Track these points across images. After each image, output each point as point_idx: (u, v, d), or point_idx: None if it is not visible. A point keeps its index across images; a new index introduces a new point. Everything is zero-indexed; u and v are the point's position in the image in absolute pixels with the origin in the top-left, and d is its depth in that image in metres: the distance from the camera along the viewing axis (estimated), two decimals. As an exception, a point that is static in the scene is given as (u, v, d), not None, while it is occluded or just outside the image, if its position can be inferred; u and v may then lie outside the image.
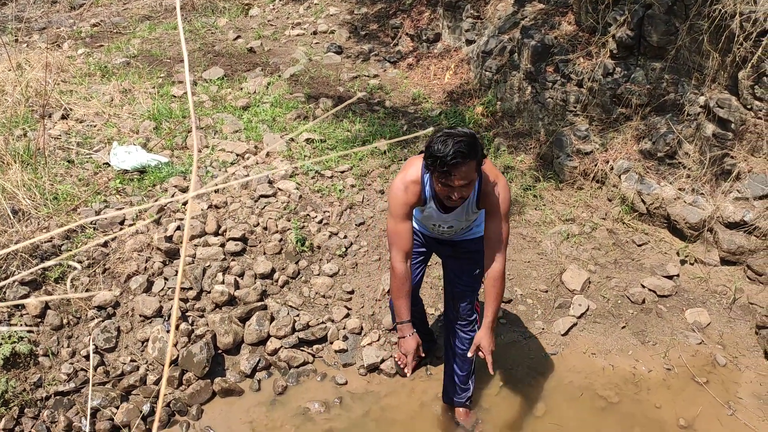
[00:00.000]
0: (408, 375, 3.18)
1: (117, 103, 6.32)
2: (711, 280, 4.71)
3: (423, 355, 3.37)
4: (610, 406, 3.95)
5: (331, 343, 4.27)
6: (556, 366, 4.20)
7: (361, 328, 4.33)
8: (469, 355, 3.23)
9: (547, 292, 4.68)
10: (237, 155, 5.52)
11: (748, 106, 4.59)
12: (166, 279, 4.27)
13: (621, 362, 4.23)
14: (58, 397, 3.62)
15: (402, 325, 3.18)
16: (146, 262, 4.32)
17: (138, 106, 6.23)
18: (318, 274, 4.61)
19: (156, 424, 1.02)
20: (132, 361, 3.91)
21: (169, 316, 4.06)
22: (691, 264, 4.83)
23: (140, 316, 4.09)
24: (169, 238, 4.47)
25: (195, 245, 4.52)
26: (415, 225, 3.44)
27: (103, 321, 3.97)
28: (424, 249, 3.60)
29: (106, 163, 5.16)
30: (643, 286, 4.68)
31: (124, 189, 4.90)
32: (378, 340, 4.26)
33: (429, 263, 3.87)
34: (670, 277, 4.75)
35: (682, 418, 3.83)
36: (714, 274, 4.73)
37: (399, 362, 3.26)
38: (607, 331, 4.43)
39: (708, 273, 4.75)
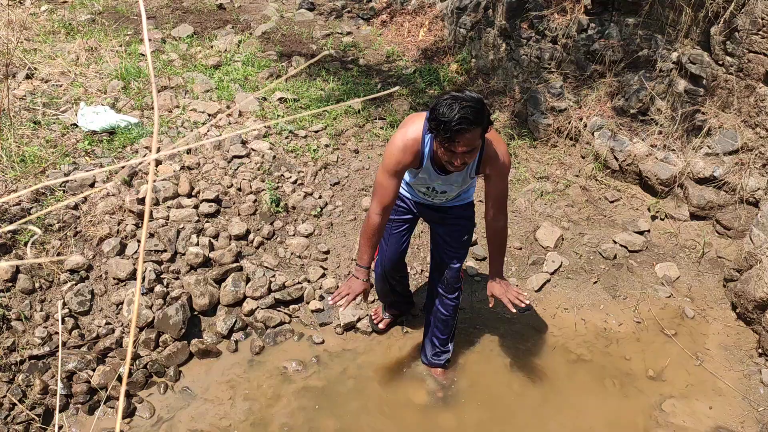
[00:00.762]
0: (342, 309, 3.29)
1: (83, 62, 6.15)
2: (681, 234, 4.80)
3: (367, 300, 3.42)
4: (581, 359, 4.04)
5: (308, 303, 4.29)
6: (530, 322, 4.28)
7: (337, 288, 4.34)
8: (490, 305, 3.38)
9: (521, 249, 4.73)
10: (209, 115, 5.43)
11: (720, 62, 4.61)
12: (139, 241, 4.22)
13: (592, 316, 4.31)
14: (32, 361, 3.60)
15: (359, 268, 3.23)
16: (118, 224, 4.27)
17: (105, 65, 6.08)
18: (293, 235, 4.60)
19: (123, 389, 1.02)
20: (107, 323, 3.90)
21: (144, 278, 4.04)
22: (662, 219, 4.91)
23: (114, 279, 4.06)
24: (141, 200, 4.41)
25: (168, 207, 4.47)
26: (404, 191, 3.43)
27: (76, 284, 3.93)
28: (410, 216, 3.57)
29: (74, 124, 5.05)
30: (615, 242, 4.76)
31: (93, 151, 4.81)
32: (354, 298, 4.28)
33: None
34: (641, 233, 4.83)
35: (651, 369, 3.94)
36: (684, 229, 4.81)
37: (338, 294, 3.21)
38: (580, 287, 4.50)
39: (678, 228, 4.83)
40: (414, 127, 2.98)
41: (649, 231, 4.86)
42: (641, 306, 4.36)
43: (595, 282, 4.53)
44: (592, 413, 3.70)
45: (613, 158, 5.10)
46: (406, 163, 3.01)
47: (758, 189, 4.49)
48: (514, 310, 3.27)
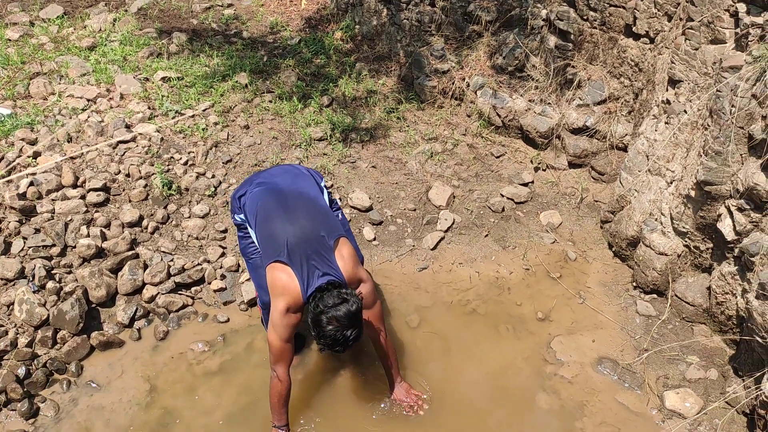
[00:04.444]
0: None
1: (-57, 52, 5.75)
2: (561, 183, 5.11)
3: None
4: (477, 309, 4.28)
5: (209, 283, 4.30)
6: (428, 279, 4.47)
7: (238, 266, 4.38)
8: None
9: (415, 210, 4.90)
10: (88, 100, 5.23)
11: (585, 17, 4.88)
12: (24, 238, 4.08)
13: (485, 268, 4.56)
14: None
15: (278, 429, 3.37)
16: (0, 222, 4.10)
17: (-32, 55, 5.70)
18: (189, 217, 4.57)
19: None
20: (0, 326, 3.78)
21: (33, 275, 3.91)
22: (544, 170, 5.21)
23: (1, 279, 3.91)
24: (22, 195, 4.25)
25: (53, 200, 4.33)
26: None
27: (-41, 290, 3.77)
28: None
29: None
30: (503, 196, 5.01)
31: (-36, 147, 4.56)
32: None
33: None
34: (525, 185, 5.11)
35: (540, 312, 4.23)
36: (563, 177, 5.13)
37: None
38: (472, 241, 4.73)
39: (558, 177, 5.14)
40: (291, 291, 3.04)
41: (533, 182, 5.15)
42: (529, 253, 4.64)
43: (486, 235, 4.78)
44: (489, 358, 3.96)
45: (496, 115, 5.33)
46: (296, 323, 3.13)
47: (626, 135, 4.84)
48: (411, 414, 3.56)
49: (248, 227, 3.38)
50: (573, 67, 5.02)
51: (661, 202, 4.12)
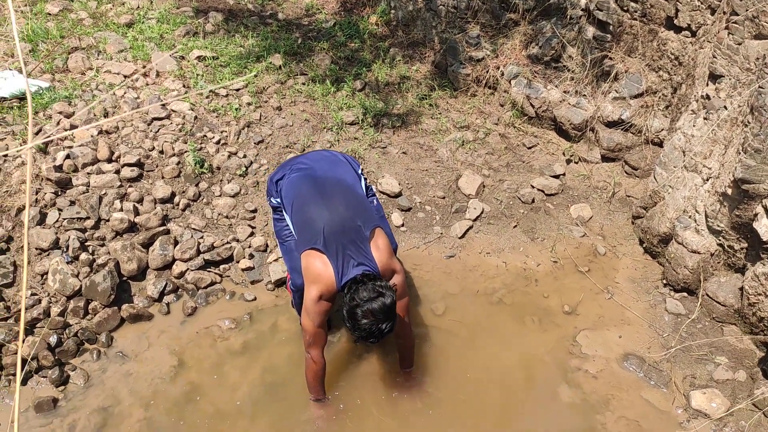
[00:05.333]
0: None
1: (-15, 24, 5.84)
2: (593, 176, 5.05)
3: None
4: (503, 299, 4.27)
5: (238, 262, 4.35)
6: (454, 267, 4.47)
7: (266, 246, 4.42)
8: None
9: (444, 198, 4.88)
10: (125, 77, 5.29)
11: (625, 8, 4.79)
12: (60, 210, 4.15)
13: (513, 259, 4.54)
14: (-43, 338, 3.55)
15: (316, 402, 3.49)
16: (36, 193, 4.18)
17: (10, 27, 5.79)
18: (219, 195, 4.61)
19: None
20: (33, 294, 3.86)
21: (68, 246, 3.99)
22: (576, 163, 5.15)
23: (36, 249, 4.00)
24: (58, 168, 4.32)
25: (88, 173, 4.39)
26: None
27: (-4, 257, 3.86)
28: None
29: (-19, 91, 4.84)
30: (533, 187, 4.97)
31: (3, 118, 4.64)
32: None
33: None
34: (556, 177, 5.06)
35: (567, 305, 4.20)
36: (596, 170, 5.07)
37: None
38: (500, 231, 4.71)
39: (590, 170, 5.08)
40: (325, 277, 3.05)
41: (564, 174, 5.10)
42: (558, 246, 4.60)
43: (515, 226, 4.75)
44: (514, 349, 3.95)
45: (530, 105, 5.28)
46: (328, 309, 3.17)
47: (662, 130, 4.76)
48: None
49: (284, 211, 3.40)
50: (610, 58, 4.95)
51: (696, 199, 4.05)
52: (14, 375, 3.60)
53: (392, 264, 3.19)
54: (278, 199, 3.41)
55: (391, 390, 3.68)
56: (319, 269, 3.05)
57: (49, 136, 4.33)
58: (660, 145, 4.78)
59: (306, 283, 3.13)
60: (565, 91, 5.16)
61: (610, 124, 4.94)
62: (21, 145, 4.43)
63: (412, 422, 3.56)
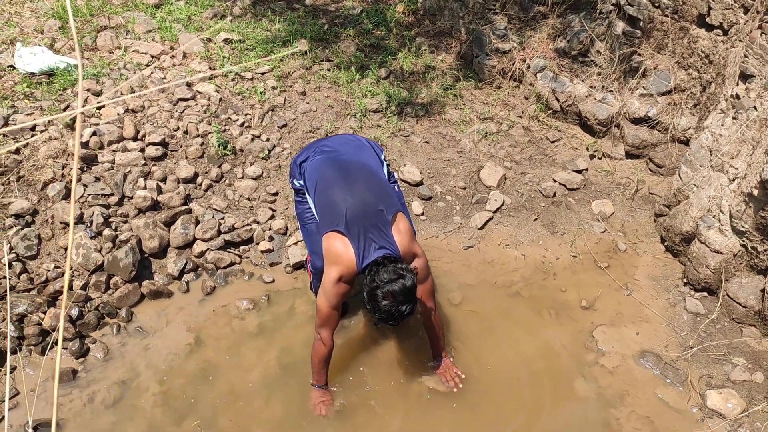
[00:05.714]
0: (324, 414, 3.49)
1: (17, 0, 5.91)
2: (616, 173, 5.02)
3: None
4: (521, 291, 4.26)
5: (257, 243, 4.38)
6: (473, 258, 4.46)
7: (286, 229, 4.44)
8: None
9: (465, 188, 4.88)
10: (152, 57, 5.33)
11: (656, 4, 4.74)
12: (84, 186, 4.21)
13: (532, 252, 4.52)
14: (-19, 306, 3.62)
15: (318, 389, 3.48)
16: (62, 168, 4.24)
17: (41, 4, 5.85)
18: (241, 177, 4.64)
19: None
20: (56, 267, 3.92)
21: (91, 222, 4.04)
22: (599, 158, 5.11)
23: (61, 223, 4.05)
24: (84, 144, 4.37)
25: (113, 151, 4.44)
26: None
27: (22, 229, 3.92)
28: None
29: (11, 66, 4.90)
30: (555, 181, 4.95)
31: (32, 93, 4.70)
32: (303, 240, 4.37)
33: None
34: (579, 171, 5.03)
35: (584, 300, 4.18)
36: (619, 167, 5.03)
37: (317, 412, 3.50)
38: (520, 224, 4.70)
39: (614, 166, 5.05)
40: (346, 260, 3.06)
41: (587, 170, 5.06)
42: (577, 241, 4.58)
43: (535, 219, 4.73)
44: (530, 341, 3.94)
45: (555, 99, 5.25)
46: (346, 292, 3.18)
47: (689, 128, 4.71)
48: (445, 388, 3.63)
49: (306, 194, 3.41)
50: (639, 55, 4.90)
51: (721, 198, 4.01)
52: (35, 345, 3.66)
53: (413, 248, 3.19)
54: (301, 182, 3.42)
55: (405, 377, 3.69)
56: (340, 251, 3.06)
57: (101, 102, 4.38)
58: (686, 143, 4.73)
59: (326, 264, 3.14)
60: (591, 86, 5.12)
61: (636, 121, 4.90)
62: (50, 120, 4.48)
63: (424, 412, 3.57)
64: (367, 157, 3.38)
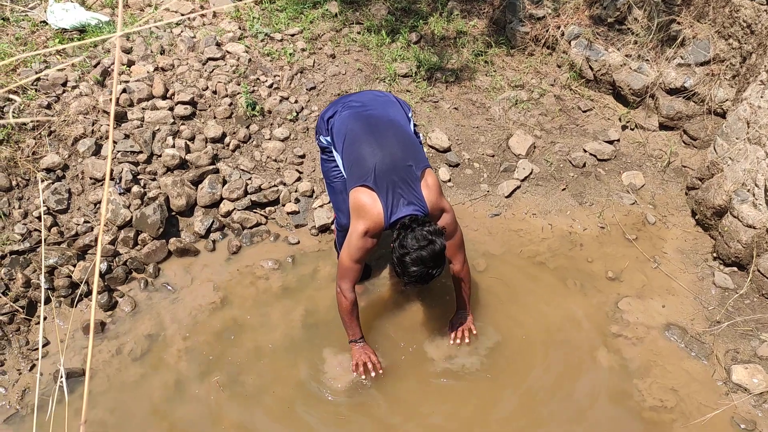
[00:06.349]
0: (374, 376, 3.47)
1: (49, -43, 5.91)
2: (649, 144, 4.92)
3: (380, 370, 3.50)
4: (546, 261, 4.22)
5: (283, 205, 4.39)
6: (498, 226, 4.43)
7: (312, 191, 4.44)
8: (456, 342, 3.65)
9: (493, 156, 4.82)
10: (182, 15, 5.31)
11: (699, -29, 4.59)
12: (114, 142, 4.24)
13: (559, 222, 4.47)
14: (13, 256, 3.68)
15: (355, 343, 3.45)
16: (93, 125, 4.27)
17: (73, -39, 5.85)
18: (269, 139, 4.64)
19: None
20: (86, 222, 3.97)
21: (120, 178, 4.08)
22: (632, 129, 5.01)
23: (91, 178, 4.10)
24: (115, 101, 4.38)
25: (143, 108, 4.46)
26: None
27: (53, 183, 3.97)
28: None
29: (44, 22, 4.93)
30: (585, 151, 4.87)
31: (64, 49, 4.73)
32: (329, 202, 4.38)
33: None
34: (610, 142, 4.94)
35: (611, 271, 4.14)
36: (652, 138, 4.93)
37: (359, 370, 3.47)
38: (548, 193, 4.64)
39: (646, 138, 4.94)
40: (374, 214, 3.03)
41: (618, 140, 4.97)
42: (606, 212, 4.52)
43: (564, 189, 4.67)
44: (553, 311, 3.92)
45: (588, 68, 5.14)
46: (371, 247, 3.14)
47: (726, 100, 4.59)
48: (452, 342, 3.65)
49: (333, 150, 3.38)
50: (678, 23, 4.76)
51: (757, 172, 3.91)
52: (65, 297, 3.74)
53: (441, 203, 3.16)
54: (328, 138, 3.38)
55: (428, 342, 3.70)
56: (368, 205, 3.03)
57: (139, 25, 4.38)
58: (722, 115, 4.61)
59: (353, 218, 3.11)
60: (626, 55, 5.00)
61: (672, 92, 4.78)
62: (82, 74, 4.50)
63: (446, 378, 3.59)
64: (395, 112, 3.34)
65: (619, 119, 5.07)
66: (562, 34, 5.30)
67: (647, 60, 4.90)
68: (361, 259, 3.16)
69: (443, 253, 2.97)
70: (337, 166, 3.40)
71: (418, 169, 3.09)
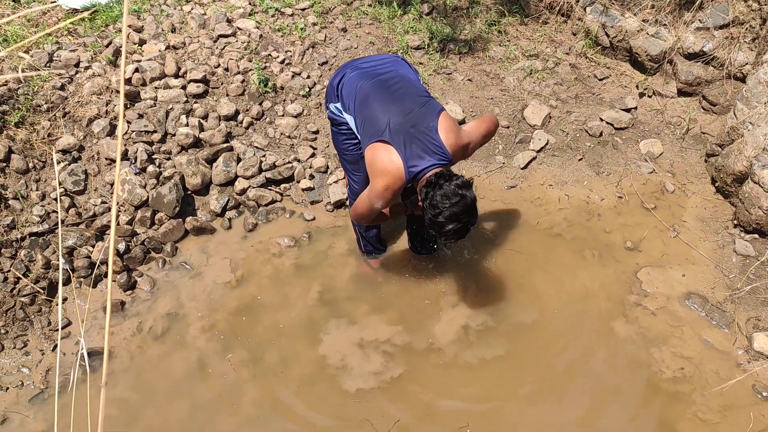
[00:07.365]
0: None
1: (58, -63, 5.88)
2: (667, 111, 4.83)
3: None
4: (563, 232, 4.19)
5: (298, 181, 4.38)
6: (515, 197, 4.40)
7: (327, 167, 4.43)
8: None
9: (508, 127, 4.77)
10: (191, -7, 5.27)
11: (717, -69, 4.47)
12: (129, 122, 4.24)
13: (576, 192, 4.43)
14: (33, 238, 3.72)
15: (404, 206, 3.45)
16: (107, 105, 4.27)
17: (81, -59, 5.81)
18: (282, 115, 4.62)
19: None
20: (103, 202, 4.00)
21: (136, 158, 4.10)
22: (649, 96, 4.93)
23: (106, 159, 4.11)
24: (127, 81, 4.39)
25: (156, 88, 4.45)
26: None
27: (69, 165, 3.99)
28: None
29: (54, 2, 4.92)
30: (602, 120, 4.80)
31: (75, 30, 4.72)
32: (343, 178, 4.37)
33: None
34: (628, 110, 4.86)
35: (629, 241, 4.10)
36: (670, 105, 4.84)
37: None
38: (565, 164, 4.59)
39: (665, 105, 4.86)
40: (393, 169, 2.95)
41: (636, 108, 4.89)
42: (624, 182, 4.47)
43: (580, 159, 4.61)
44: (571, 281, 3.90)
45: (604, 35, 5.04)
46: (393, 200, 3.09)
47: (746, 64, 4.48)
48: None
49: (344, 113, 3.28)
50: (696, -15, 4.65)
51: (778, 137, 3.84)
52: (84, 278, 3.78)
53: (461, 141, 3.09)
54: (338, 104, 3.28)
55: (447, 313, 3.71)
56: (386, 161, 2.95)
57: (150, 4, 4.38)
58: (742, 80, 4.51)
59: (371, 177, 3.03)
60: (643, 20, 4.89)
61: (690, 57, 4.68)
62: (94, 54, 4.50)
63: (464, 349, 3.59)
64: (405, 71, 3.28)
65: (636, 86, 4.98)
66: (577, 1, 5.20)
67: (665, 24, 4.80)
68: (382, 206, 3.08)
69: (475, 204, 2.95)
70: (349, 139, 3.36)
71: (432, 117, 3.00)
